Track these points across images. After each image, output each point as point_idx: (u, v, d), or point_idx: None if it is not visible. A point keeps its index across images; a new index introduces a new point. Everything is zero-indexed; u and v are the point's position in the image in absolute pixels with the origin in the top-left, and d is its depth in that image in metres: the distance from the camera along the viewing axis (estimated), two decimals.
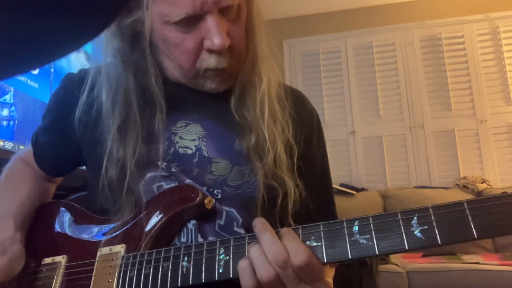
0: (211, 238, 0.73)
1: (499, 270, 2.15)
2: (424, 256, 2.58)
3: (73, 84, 0.85)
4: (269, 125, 0.78)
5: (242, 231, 0.76)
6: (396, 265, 2.32)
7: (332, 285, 0.61)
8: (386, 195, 3.12)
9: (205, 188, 0.76)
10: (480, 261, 2.30)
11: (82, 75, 0.85)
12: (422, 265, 2.29)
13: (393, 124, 3.50)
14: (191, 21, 0.72)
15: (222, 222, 0.76)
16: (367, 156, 3.50)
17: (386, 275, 2.23)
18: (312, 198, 0.84)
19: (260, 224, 0.60)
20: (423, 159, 3.39)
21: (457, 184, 3.15)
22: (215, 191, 0.76)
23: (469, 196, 3.00)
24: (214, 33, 0.71)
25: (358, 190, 3.26)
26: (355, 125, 3.55)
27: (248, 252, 0.59)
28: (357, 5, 3.68)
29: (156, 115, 0.78)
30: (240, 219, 0.77)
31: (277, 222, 0.78)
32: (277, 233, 0.59)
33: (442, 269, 2.21)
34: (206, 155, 0.78)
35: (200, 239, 0.73)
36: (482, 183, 3.09)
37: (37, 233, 0.83)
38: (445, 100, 3.44)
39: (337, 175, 3.43)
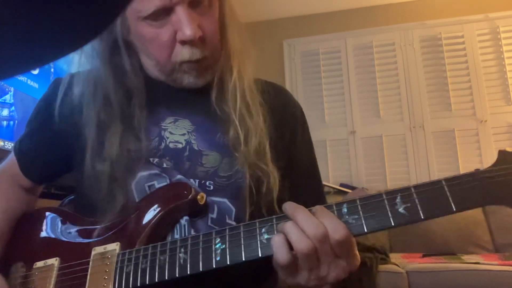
0: None
1: (499, 270, 2.15)
2: (424, 256, 2.58)
3: (58, 88, 0.86)
4: (244, 117, 0.80)
5: (233, 223, 0.78)
6: (396, 265, 2.32)
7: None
8: None
9: (197, 181, 0.78)
10: (480, 261, 2.30)
11: (69, 79, 0.86)
12: (422, 265, 2.29)
13: (393, 124, 3.50)
14: (163, 14, 0.74)
15: (214, 216, 0.77)
16: (367, 156, 3.50)
17: (386, 275, 2.23)
18: (301, 187, 0.86)
19: (291, 204, 0.61)
20: (423, 159, 3.39)
21: None
22: (207, 183, 0.78)
23: None
24: (185, 24, 0.73)
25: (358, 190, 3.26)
26: (355, 125, 3.55)
27: (281, 228, 0.60)
28: (357, 5, 3.67)
29: (135, 111, 0.80)
30: (234, 209, 0.78)
31: (264, 210, 0.79)
32: (310, 211, 0.61)
33: (442, 269, 2.21)
34: (196, 148, 0.80)
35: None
36: None
37: (26, 240, 0.82)
38: (445, 100, 3.44)
39: (337, 175, 3.43)
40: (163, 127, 0.81)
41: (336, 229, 0.58)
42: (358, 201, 0.60)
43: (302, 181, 0.89)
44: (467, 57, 3.45)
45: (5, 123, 1.84)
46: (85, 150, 0.80)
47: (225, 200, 0.78)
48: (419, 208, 0.58)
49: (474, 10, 3.49)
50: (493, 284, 2.09)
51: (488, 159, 3.28)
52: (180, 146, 0.80)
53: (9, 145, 1.81)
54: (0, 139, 1.78)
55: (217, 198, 0.78)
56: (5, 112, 1.84)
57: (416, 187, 0.59)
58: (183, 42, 0.75)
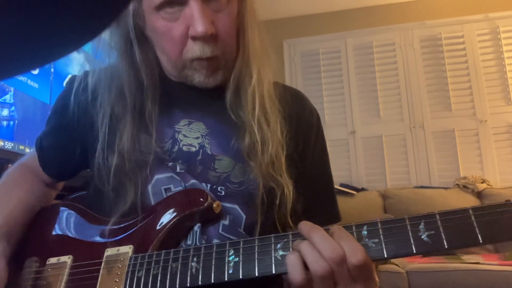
0: (215, 241, 0.73)
1: (499, 270, 2.15)
2: (424, 256, 2.58)
3: (75, 85, 0.85)
4: (261, 125, 0.78)
5: (242, 231, 0.76)
6: (396, 265, 2.32)
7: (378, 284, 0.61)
8: (386, 195, 3.12)
9: (209, 185, 0.76)
10: (480, 261, 2.30)
11: (84, 76, 0.86)
12: (422, 265, 2.29)
13: (393, 124, 3.50)
14: (176, 5, 0.73)
15: (227, 223, 0.76)
16: (367, 156, 3.50)
17: (386, 275, 2.23)
18: (311, 194, 0.84)
19: (307, 224, 0.60)
20: (423, 159, 3.39)
21: (457, 184, 3.15)
22: (219, 188, 0.77)
23: (469, 196, 3.00)
24: (197, 19, 0.71)
25: (358, 190, 3.26)
26: (355, 125, 3.55)
27: (297, 247, 0.58)
28: (357, 5, 3.68)
29: (148, 105, 0.79)
30: (244, 216, 0.77)
31: (277, 222, 0.78)
32: (327, 231, 0.59)
33: (442, 269, 2.21)
34: (209, 152, 0.78)
35: (203, 242, 0.73)
36: (482, 183, 3.09)
37: (41, 235, 0.82)
38: (445, 100, 3.44)
39: (337, 175, 3.43)
40: (177, 129, 0.80)
41: (354, 253, 0.55)
42: (379, 224, 0.58)
43: (315, 193, 0.86)
44: (467, 57, 3.45)
45: (5, 123, 1.84)
46: (97, 142, 0.79)
47: (236, 207, 0.77)
48: (443, 237, 0.55)
49: (474, 10, 3.49)
50: (493, 284, 2.09)
51: (488, 159, 3.28)
52: (193, 149, 0.78)
53: (9, 145, 1.81)
54: (0, 139, 1.78)
55: (228, 204, 0.76)
56: (5, 112, 1.84)
57: (441, 214, 0.57)
58: (194, 38, 0.73)
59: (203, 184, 0.76)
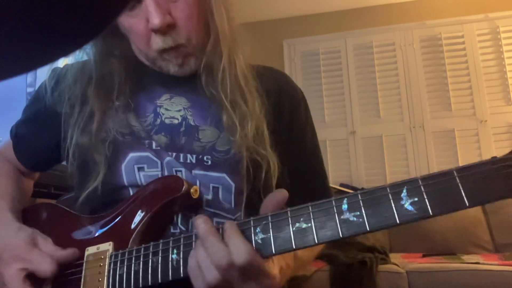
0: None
1: (499, 270, 2.15)
2: (424, 256, 2.58)
3: (56, 77, 0.87)
4: (237, 105, 0.79)
5: (232, 199, 0.77)
6: (396, 265, 2.32)
7: (278, 276, 0.61)
8: None
9: (194, 156, 0.77)
10: (480, 261, 2.30)
11: (62, 67, 0.88)
12: (422, 265, 2.29)
13: (393, 124, 3.50)
14: (134, 2, 0.74)
15: (210, 197, 0.76)
16: (367, 156, 3.50)
17: (386, 275, 2.23)
18: (303, 173, 0.85)
19: (203, 225, 0.59)
20: (423, 159, 3.39)
21: None
22: (205, 158, 0.77)
23: None
24: (151, 12, 0.72)
25: (358, 190, 3.26)
26: (355, 125, 3.55)
27: (194, 253, 0.59)
28: (357, 5, 3.67)
29: (122, 85, 0.80)
30: (233, 184, 0.77)
31: (262, 196, 0.77)
32: (222, 228, 0.59)
33: (442, 269, 2.21)
34: (192, 123, 0.79)
35: (187, 227, 0.73)
36: None
37: None
38: (445, 100, 3.44)
39: (337, 175, 3.43)
40: (158, 104, 0.81)
41: (238, 253, 0.55)
42: (360, 196, 0.55)
43: (304, 166, 0.87)
44: (467, 57, 3.45)
45: None
46: (70, 125, 0.80)
47: (224, 175, 0.77)
48: (428, 203, 0.51)
49: (474, 10, 3.49)
50: (493, 284, 2.09)
51: None
52: (176, 122, 0.79)
53: None
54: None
55: (215, 173, 0.77)
56: None
57: (424, 178, 0.53)
58: (154, 31, 0.74)
59: (188, 155, 0.77)
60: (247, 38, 0.86)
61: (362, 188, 3.28)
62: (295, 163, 0.84)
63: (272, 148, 0.79)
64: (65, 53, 0.24)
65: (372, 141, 3.51)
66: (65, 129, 0.82)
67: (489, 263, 2.25)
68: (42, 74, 1.95)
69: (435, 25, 3.54)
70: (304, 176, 0.86)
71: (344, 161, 3.49)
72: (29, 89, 1.95)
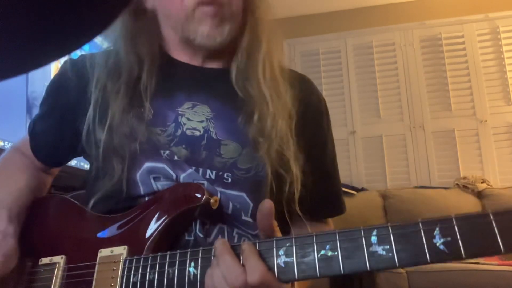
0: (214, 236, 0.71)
1: (499, 270, 2.15)
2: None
3: (73, 68, 0.83)
4: (272, 97, 0.75)
5: (250, 219, 0.74)
6: None
7: None
8: (386, 195, 3.12)
9: (214, 172, 0.73)
10: (480, 261, 2.30)
11: (80, 58, 0.85)
12: (422, 265, 2.29)
13: (393, 124, 3.50)
14: None
15: (229, 212, 0.73)
16: (367, 156, 3.50)
17: (386, 275, 2.23)
18: (321, 183, 0.82)
19: (220, 246, 0.59)
20: (423, 159, 3.39)
21: (457, 184, 3.15)
22: (225, 175, 0.74)
23: (469, 196, 3.00)
24: None
25: (358, 190, 3.26)
26: (355, 125, 3.55)
27: (210, 272, 0.59)
28: (357, 5, 3.67)
29: (145, 80, 0.77)
30: (251, 204, 0.74)
31: (285, 209, 0.76)
32: (239, 248, 0.58)
33: (442, 269, 2.20)
34: (214, 137, 0.75)
35: (201, 236, 0.71)
36: (482, 183, 3.09)
37: (33, 230, 0.79)
38: (445, 100, 3.44)
39: None
40: (180, 112, 0.76)
41: (252, 272, 0.55)
42: (390, 229, 0.53)
43: (324, 183, 0.85)
44: (467, 57, 3.45)
45: None
46: (89, 118, 0.77)
47: (243, 195, 0.74)
48: (461, 245, 0.50)
49: (474, 10, 3.49)
50: (493, 284, 2.09)
51: (488, 159, 3.28)
52: (197, 134, 0.75)
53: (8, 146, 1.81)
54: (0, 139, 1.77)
55: (234, 191, 0.73)
56: None
57: (458, 218, 0.51)
58: None
59: (208, 170, 0.73)
60: (281, 36, 0.82)
61: (362, 188, 3.29)
62: (314, 173, 0.81)
63: (295, 159, 0.76)
64: (65, 53, 0.24)
65: (372, 141, 3.50)
66: (85, 124, 0.78)
67: (489, 263, 2.25)
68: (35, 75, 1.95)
69: (435, 25, 3.54)
70: (320, 183, 0.83)
71: (344, 161, 3.49)
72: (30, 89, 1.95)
